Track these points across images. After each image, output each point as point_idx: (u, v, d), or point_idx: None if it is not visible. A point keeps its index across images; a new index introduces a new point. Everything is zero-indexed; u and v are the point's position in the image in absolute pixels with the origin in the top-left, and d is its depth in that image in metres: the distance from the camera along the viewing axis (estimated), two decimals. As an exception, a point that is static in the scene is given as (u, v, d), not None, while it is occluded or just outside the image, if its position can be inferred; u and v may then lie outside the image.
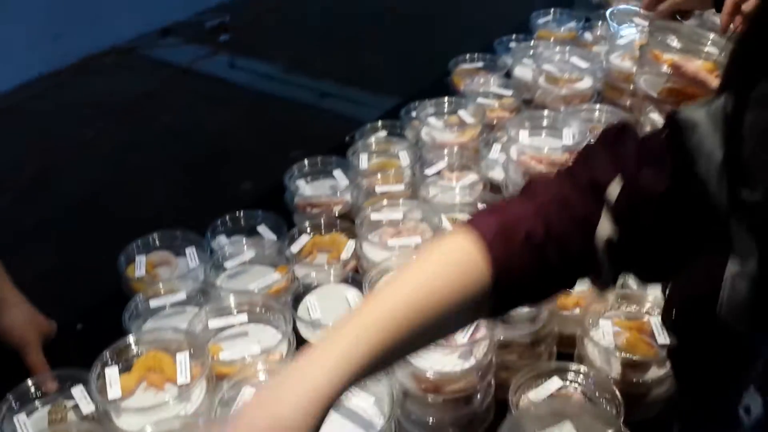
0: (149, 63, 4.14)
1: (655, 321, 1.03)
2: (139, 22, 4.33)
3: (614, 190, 0.70)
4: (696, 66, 1.23)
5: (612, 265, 0.73)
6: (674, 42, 1.37)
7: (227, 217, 1.34)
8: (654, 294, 1.08)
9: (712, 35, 1.38)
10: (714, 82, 1.20)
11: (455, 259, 0.68)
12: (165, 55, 4.20)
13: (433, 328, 0.67)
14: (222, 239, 1.30)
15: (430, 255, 0.70)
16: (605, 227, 0.70)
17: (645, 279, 0.80)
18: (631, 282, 1.12)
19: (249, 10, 4.65)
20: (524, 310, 1.02)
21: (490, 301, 0.70)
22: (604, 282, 0.75)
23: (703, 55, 1.33)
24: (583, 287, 1.09)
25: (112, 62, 4.16)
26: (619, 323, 1.03)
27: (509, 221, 0.70)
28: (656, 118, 1.47)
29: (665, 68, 1.29)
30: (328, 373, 0.60)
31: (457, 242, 0.70)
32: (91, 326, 1.20)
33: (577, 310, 1.08)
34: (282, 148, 3.17)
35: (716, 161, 0.62)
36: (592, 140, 0.78)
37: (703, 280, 0.65)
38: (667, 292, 0.73)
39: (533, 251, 0.70)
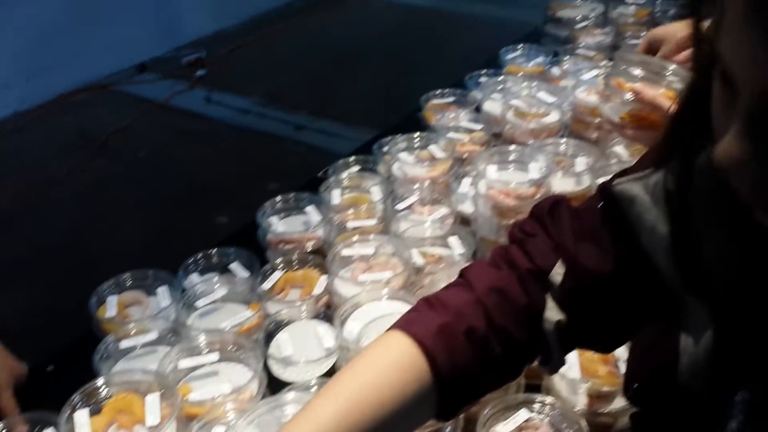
0: (125, 99, 4.15)
1: (620, 351, 1.05)
2: (114, 58, 4.36)
3: (557, 275, 0.70)
4: (655, 92, 1.28)
5: (563, 348, 0.73)
6: (637, 71, 1.42)
7: (200, 255, 1.34)
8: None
9: (673, 66, 1.43)
10: (671, 108, 1.24)
11: (395, 364, 0.66)
12: (141, 91, 4.22)
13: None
14: (194, 277, 1.31)
15: (368, 362, 0.68)
16: (553, 313, 0.70)
17: (598, 351, 0.80)
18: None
19: (225, 45, 4.69)
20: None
21: (435, 403, 0.68)
22: (554, 365, 0.75)
23: (665, 83, 1.38)
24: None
25: (87, 98, 4.17)
26: (584, 354, 1.05)
27: (448, 320, 0.68)
28: (621, 152, 1.51)
29: (628, 95, 1.33)
30: None
31: (396, 346, 0.68)
32: (62, 368, 1.19)
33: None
34: (258, 182, 3.20)
35: (660, 236, 0.63)
36: (524, 219, 0.77)
37: (661, 349, 0.65)
38: (626, 365, 0.74)
39: (475, 347, 0.69)
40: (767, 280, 0.57)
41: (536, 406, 0.96)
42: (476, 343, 0.68)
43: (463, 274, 0.75)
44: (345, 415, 0.63)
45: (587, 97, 1.68)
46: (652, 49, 1.58)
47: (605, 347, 0.78)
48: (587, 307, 0.70)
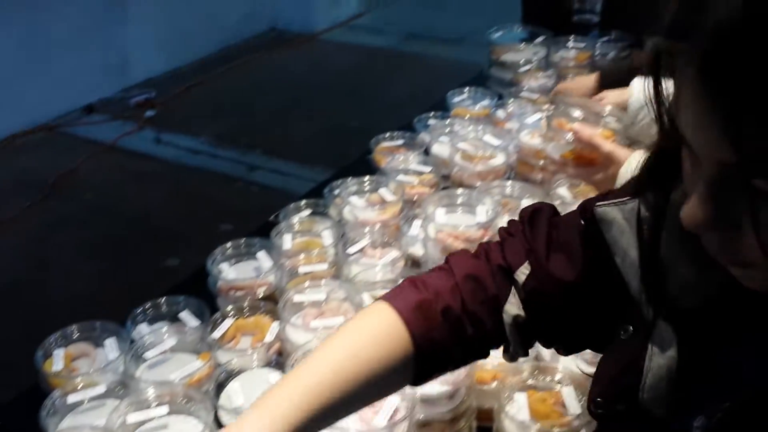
0: (73, 140, 4.10)
1: (568, 391, 1.08)
2: (62, 99, 4.31)
3: (522, 274, 0.77)
4: (593, 131, 1.35)
5: (520, 340, 0.79)
6: (576, 113, 1.48)
7: (148, 305, 1.33)
8: (564, 364, 1.12)
9: (609, 107, 1.50)
10: (607, 146, 1.31)
11: (378, 331, 0.74)
12: (89, 133, 4.16)
13: (359, 395, 0.72)
14: (143, 327, 1.29)
15: (354, 327, 0.76)
16: (512, 307, 0.77)
17: (558, 351, 0.84)
18: (545, 353, 1.17)
19: (175, 85, 4.68)
20: (443, 388, 1.05)
21: (412, 370, 0.75)
22: (512, 355, 0.81)
23: (602, 123, 1.45)
24: (501, 361, 1.14)
25: (35, 140, 4.10)
26: (533, 395, 1.07)
27: (428, 297, 0.76)
28: (564, 193, 1.55)
29: (569, 135, 1.39)
30: (274, 420, 0.65)
31: (380, 315, 0.76)
32: (8, 425, 1.16)
33: (494, 384, 1.12)
34: (210, 223, 3.18)
35: (631, 259, 0.67)
36: (512, 218, 0.85)
37: (627, 366, 0.67)
38: (593, 378, 0.76)
39: (450, 324, 0.76)
40: (731, 311, 0.60)
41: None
42: (451, 321, 0.76)
43: (447, 260, 0.82)
44: (332, 372, 0.70)
45: (531, 140, 1.73)
46: None
47: (565, 349, 0.83)
48: (546, 308, 0.76)
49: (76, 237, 3.17)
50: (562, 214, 0.82)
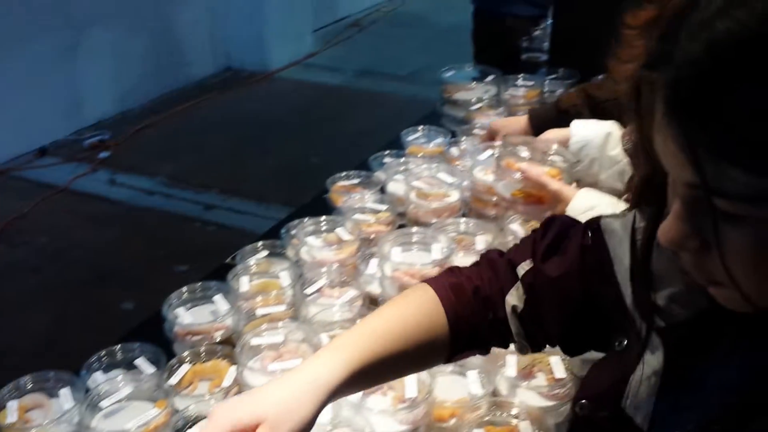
0: (25, 184, 4.02)
1: (524, 425, 1.09)
2: (13, 142, 4.24)
3: (522, 269, 0.87)
4: (540, 171, 1.39)
5: (523, 332, 0.87)
6: (524, 153, 1.52)
7: (103, 353, 1.31)
8: (520, 398, 1.14)
9: (555, 146, 1.55)
10: (554, 185, 1.35)
11: (420, 304, 0.86)
12: (42, 176, 4.09)
13: (405, 358, 0.83)
14: (98, 376, 1.27)
15: (400, 300, 0.89)
16: (512, 297, 0.86)
17: (562, 350, 0.90)
18: (501, 388, 1.19)
19: (129, 125, 4.65)
20: (402, 427, 1.06)
21: (448, 345, 0.86)
22: (520, 345, 0.89)
23: (549, 162, 1.50)
24: (459, 398, 1.15)
25: (-16, 185, 4.02)
26: (491, 431, 1.08)
27: (460, 280, 0.88)
28: (517, 228, 1.59)
29: (517, 174, 1.43)
30: (329, 366, 0.76)
31: (421, 293, 0.88)
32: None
33: (453, 421, 1.13)
34: (166, 264, 3.14)
35: (625, 267, 0.73)
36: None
37: (615, 372, 0.71)
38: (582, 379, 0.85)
39: (477, 303, 0.87)
40: (719, 326, 0.62)
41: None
42: (478, 300, 0.87)
43: (481, 256, 0.95)
44: (389, 332, 0.82)
45: (484, 176, 1.77)
46: (491, 137, 1.91)
47: (565, 350, 0.90)
48: (541, 303, 0.85)
49: (28, 283, 3.10)
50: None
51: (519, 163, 1.44)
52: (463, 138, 2.06)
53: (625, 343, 0.72)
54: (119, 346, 1.32)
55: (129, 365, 1.31)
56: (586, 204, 1.29)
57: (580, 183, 1.50)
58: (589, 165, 1.54)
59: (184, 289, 1.46)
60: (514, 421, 1.11)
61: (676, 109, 0.48)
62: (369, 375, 0.79)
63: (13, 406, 1.19)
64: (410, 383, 1.11)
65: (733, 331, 0.61)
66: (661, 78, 0.49)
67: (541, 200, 1.40)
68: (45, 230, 3.52)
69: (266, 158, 4.21)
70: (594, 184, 1.50)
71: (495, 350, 0.93)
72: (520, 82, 2.38)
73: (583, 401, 0.75)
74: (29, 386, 1.23)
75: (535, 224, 1.58)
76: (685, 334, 0.65)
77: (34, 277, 3.15)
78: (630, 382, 0.68)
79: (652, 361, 0.67)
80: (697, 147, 0.47)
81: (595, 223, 0.80)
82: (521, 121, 1.92)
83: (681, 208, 0.53)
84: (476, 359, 1.22)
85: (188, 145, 4.47)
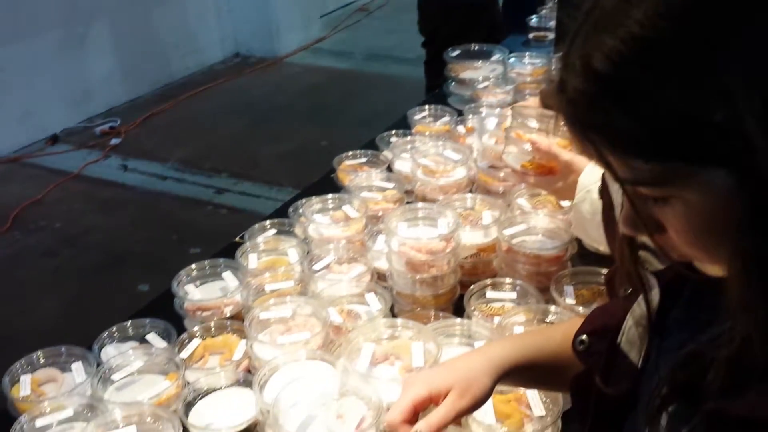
0: (37, 171, 4.06)
1: (532, 393, 1.10)
2: (25, 130, 4.28)
3: None
4: (550, 141, 1.37)
5: None
6: (533, 123, 1.51)
7: (114, 328, 1.33)
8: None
9: None
10: (566, 155, 1.34)
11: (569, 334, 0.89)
12: (54, 162, 4.14)
13: (547, 375, 0.93)
14: (110, 350, 1.30)
15: (560, 327, 0.97)
16: None
17: None
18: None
19: (140, 112, 4.67)
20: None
21: None
22: None
23: (560, 132, 1.48)
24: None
25: (-2, 172, 4.07)
26: (496, 397, 1.09)
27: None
28: (524, 203, 1.59)
29: (527, 146, 1.42)
30: (500, 352, 0.89)
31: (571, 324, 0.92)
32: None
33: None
34: (180, 248, 3.17)
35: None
36: None
37: (614, 314, 0.76)
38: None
39: None
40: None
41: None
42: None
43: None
44: (541, 348, 0.92)
45: (493, 144, 1.76)
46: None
47: None
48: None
49: (43, 267, 3.14)
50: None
51: (528, 134, 1.43)
52: (470, 116, 2.06)
53: (629, 291, 0.74)
54: (130, 322, 1.35)
55: (140, 341, 1.33)
56: (599, 173, 1.28)
57: None
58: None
59: (194, 266, 1.48)
60: (522, 389, 1.11)
61: (576, 124, 0.56)
62: (529, 371, 0.90)
63: (26, 380, 1.21)
64: (417, 353, 1.12)
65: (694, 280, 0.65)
66: (562, 101, 0.57)
67: (552, 171, 1.39)
68: (59, 216, 3.56)
69: (276, 142, 4.22)
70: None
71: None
72: (526, 59, 2.37)
73: (583, 336, 0.80)
74: (41, 361, 1.26)
75: (544, 199, 1.60)
76: (675, 276, 0.67)
77: (49, 262, 3.18)
78: (626, 320, 0.70)
79: (645, 302, 0.70)
80: (601, 149, 0.55)
81: (602, 176, 0.81)
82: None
83: (626, 200, 0.59)
84: (483, 329, 1.24)
85: (198, 130, 4.49)
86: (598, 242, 1.33)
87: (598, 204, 1.28)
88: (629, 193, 0.58)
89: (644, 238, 0.67)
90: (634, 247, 0.66)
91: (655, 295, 0.69)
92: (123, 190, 3.82)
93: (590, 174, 1.30)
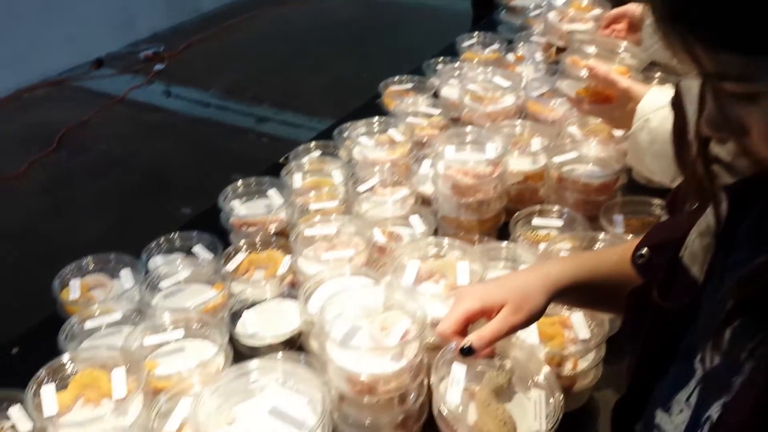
0: (83, 94, 4.10)
1: (577, 317, 1.09)
2: (71, 53, 4.30)
3: None
4: (608, 68, 1.32)
5: None
6: (590, 49, 1.46)
7: (162, 239, 1.35)
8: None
9: (624, 43, 1.48)
10: (624, 82, 1.28)
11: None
12: (99, 86, 4.17)
13: (601, 295, 0.91)
14: (157, 260, 1.32)
15: (616, 248, 0.95)
16: None
17: None
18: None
19: (183, 38, 4.66)
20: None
21: None
22: None
23: (617, 59, 1.43)
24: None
25: (44, 94, 4.11)
26: (543, 319, 1.08)
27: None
28: (575, 131, 1.55)
29: (583, 72, 1.37)
30: (556, 270, 0.89)
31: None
32: (27, 350, 1.19)
33: (503, 312, 1.13)
34: (220, 173, 3.17)
35: (694, 121, 0.70)
36: None
37: (678, 228, 0.73)
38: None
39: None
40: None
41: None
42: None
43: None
44: (596, 267, 0.91)
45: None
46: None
47: None
48: None
49: (88, 187, 3.20)
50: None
51: (585, 61, 1.38)
52: (521, 44, 2.00)
53: (695, 206, 0.71)
54: (177, 234, 1.36)
55: (187, 252, 1.35)
56: (658, 102, 1.23)
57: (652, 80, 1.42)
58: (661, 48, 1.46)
59: (239, 182, 1.48)
60: (567, 313, 1.10)
61: (663, 15, 0.53)
62: (584, 290, 0.89)
63: (75, 284, 1.23)
64: (462, 271, 1.12)
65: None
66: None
67: (608, 99, 1.34)
68: (104, 138, 3.60)
69: (317, 73, 4.18)
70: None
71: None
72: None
73: (644, 250, 0.78)
74: (91, 267, 1.28)
75: (596, 128, 1.56)
76: (745, 191, 0.64)
77: (95, 183, 3.24)
78: (691, 234, 0.68)
79: (715, 214, 0.67)
80: (688, 41, 0.52)
81: (678, 85, 0.77)
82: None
83: (710, 97, 0.56)
84: (529, 254, 1.22)
85: (240, 58, 4.47)
86: (653, 172, 1.29)
87: (656, 133, 1.24)
88: (714, 90, 0.55)
89: (717, 149, 0.65)
90: (707, 157, 0.63)
91: (724, 210, 0.67)
92: (166, 116, 3.84)
93: (649, 102, 1.25)
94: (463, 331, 0.88)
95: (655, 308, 0.73)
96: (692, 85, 0.73)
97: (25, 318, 1.29)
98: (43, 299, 1.25)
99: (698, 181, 0.69)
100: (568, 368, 1.04)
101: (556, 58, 1.83)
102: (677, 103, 0.74)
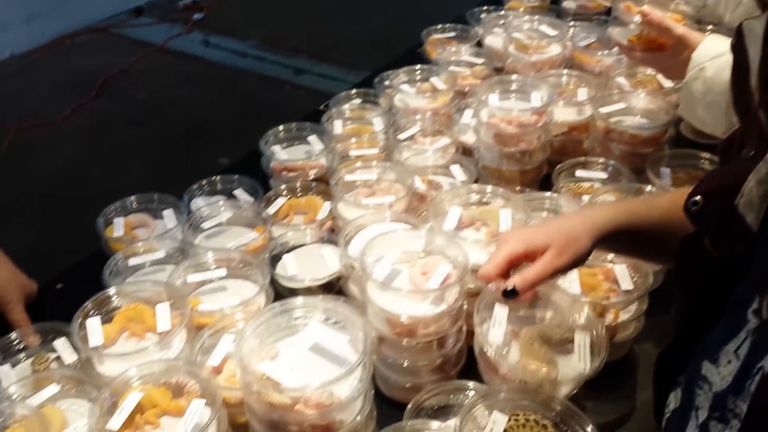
0: (123, 42, 4.12)
1: (620, 269, 1.08)
2: (111, 1, 4.30)
3: None
4: (663, 15, 1.28)
5: None
6: None
7: (204, 182, 1.36)
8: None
9: None
10: (679, 29, 1.24)
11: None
12: (139, 34, 4.18)
13: (648, 242, 0.90)
14: (199, 201, 1.33)
15: (665, 196, 0.96)
16: None
17: None
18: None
19: (221, -11, 4.62)
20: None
21: None
22: None
23: (672, 6, 1.38)
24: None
25: (85, 41, 4.13)
26: (585, 270, 1.07)
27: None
28: (622, 82, 1.51)
29: (636, 18, 1.32)
30: (602, 215, 0.88)
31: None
32: (72, 285, 1.22)
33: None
34: (258, 124, 3.16)
35: (756, 65, 0.66)
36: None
37: (734, 176, 0.69)
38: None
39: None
40: None
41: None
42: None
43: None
44: (645, 213, 0.90)
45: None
46: None
47: None
48: None
49: (128, 134, 3.23)
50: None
51: (638, 7, 1.33)
52: (569, -7, 1.95)
53: (752, 154, 0.68)
54: (219, 176, 1.37)
55: (228, 195, 1.35)
56: (714, 50, 1.19)
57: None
58: (714, 5, 1.41)
59: (281, 127, 1.48)
60: (610, 265, 1.09)
61: None
62: (630, 236, 0.88)
63: (119, 222, 1.25)
64: (505, 218, 1.10)
65: None
66: None
67: (662, 47, 1.29)
68: (144, 86, 3.62)
69: (355, 25, 4.13)
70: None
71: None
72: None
73: (697, 197, 0.73)
74: (134, 206, 1.30)
75: (644, 79, 1.51)
76: None
77: (135, 130, 3.26)
78: (748, 180, 0.65)
79: (764, 164, 0.64)
80: None
81: (739, 27, 0.73)
82: None
83: None
84: (572, 204, 1.21)
85: (279, 9, 4.43)
86: (705, 124, 1.25)
87: (712, 83, 1.20)
88: None
89: None
90: None
91: None
92: (204, 65, 3.84)
93: (705, 50, 1.21)
94: (506, 273, 0.87)
95: (706, 257, 0.71)
96: (755, 26, 0.69)
97: (68, 256, 1.32)
98: (87, 237, 1.27)
99: (760, 127, 0.66)
100: (609, 319, 1.03)
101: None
102: (738, 45, 0.71)
